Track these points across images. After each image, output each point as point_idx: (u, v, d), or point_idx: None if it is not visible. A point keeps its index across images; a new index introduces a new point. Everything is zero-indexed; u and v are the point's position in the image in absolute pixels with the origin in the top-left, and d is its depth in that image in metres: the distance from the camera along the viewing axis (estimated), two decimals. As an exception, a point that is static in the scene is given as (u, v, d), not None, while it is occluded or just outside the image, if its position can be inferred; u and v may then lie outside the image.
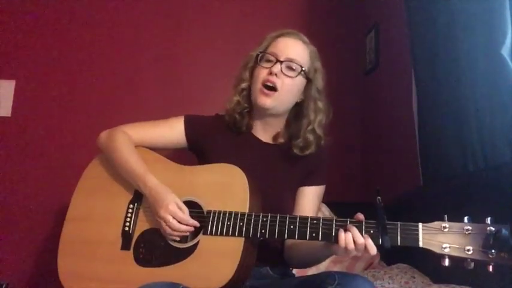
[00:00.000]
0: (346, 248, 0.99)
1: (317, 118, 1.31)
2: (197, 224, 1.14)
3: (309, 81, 1.32)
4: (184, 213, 1.13)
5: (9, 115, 2.14)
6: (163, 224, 1.13)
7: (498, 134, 1.33)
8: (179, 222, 1.12)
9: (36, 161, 2.11)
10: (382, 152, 2.23)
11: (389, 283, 1.49)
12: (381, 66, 2.28)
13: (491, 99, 1.35)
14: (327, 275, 1.01)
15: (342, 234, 1.00)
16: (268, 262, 1.25)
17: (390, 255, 1.83)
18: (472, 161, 1.40)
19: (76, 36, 2.26)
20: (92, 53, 2.26)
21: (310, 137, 1.29)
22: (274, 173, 1.30)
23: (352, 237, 0.99)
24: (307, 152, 1.29)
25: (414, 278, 1.51)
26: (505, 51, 1.31)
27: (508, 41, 1.31)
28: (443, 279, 1.45)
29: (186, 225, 1.13)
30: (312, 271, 1.62)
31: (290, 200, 1.31)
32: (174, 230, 1.12)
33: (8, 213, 2.04)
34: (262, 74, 1.28)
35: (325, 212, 1.89)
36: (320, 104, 1.32)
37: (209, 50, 2.36)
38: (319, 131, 1.30)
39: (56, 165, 2.10)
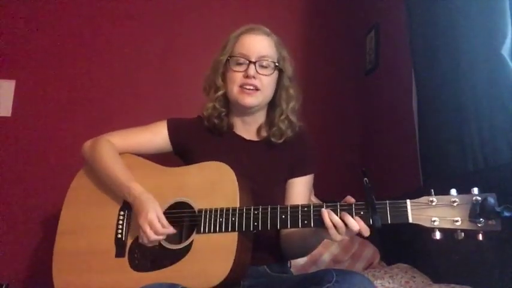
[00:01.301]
0: (337, 233, 1.02)
1: (289, 106, 1.34)
2: (174, 230, 1.14)
3: (280, 71, 1.33)
4: (162, 222, 1.13)
5: (9, 115, 2.14)
6: (141, 231, 1.13)
7: (498, 134, 1.33)
8: (155, 233, 1.11)
9: (36, 161, 2.11)
10: (382, 152, 2.23)
11: (389, 283, 1.49)
12: (380, 66, 2.28)
13: (491, 99, 1.35)
14: (325, 273, 1.02)
15: (327, 221, 1.01)
16: (265, 260, 1.26)
17: (390, 254, 1.83)
18: (472, 161, 1.40)
19: (76, 36, 2.26)
20: (92, 53, 2.26)
21: (285, 124, 1.32)
22: (261, 170, 1.30)
23: (341, 222, 1.01)
24: (284, 138, 1.31)
25: (414, 277, 1.51)
26: (505, 51, 1.31)
27: (508, 41, 1.31)
28: (443, 279, 1.45)
29: (162, 234, 1.12)
30: (311, 269, 1.63)
31: (280, 194, 1.32)
32: (150, 241, 1.13)
33: (8, 213, 2.04)
34: (237, 77, 1.28)
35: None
36: (291, 91, 1.35)
37: (208, 50, 2.34)
38: (292, 118, 1.33)
39: (56, 165, 2.10)
